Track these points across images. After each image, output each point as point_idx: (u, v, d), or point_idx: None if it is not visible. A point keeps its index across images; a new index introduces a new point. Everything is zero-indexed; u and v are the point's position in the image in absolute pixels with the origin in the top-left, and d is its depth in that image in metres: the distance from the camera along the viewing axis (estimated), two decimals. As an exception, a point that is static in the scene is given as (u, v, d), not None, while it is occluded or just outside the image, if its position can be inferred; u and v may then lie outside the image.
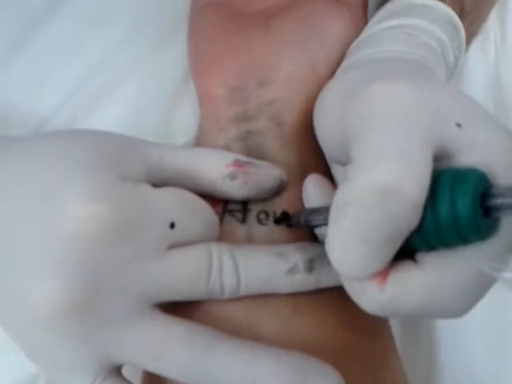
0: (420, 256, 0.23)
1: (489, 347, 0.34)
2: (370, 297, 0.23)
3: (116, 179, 0.24)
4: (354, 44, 0.31)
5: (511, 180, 0.21)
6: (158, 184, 0.26)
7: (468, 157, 0.22)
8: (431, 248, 0.22)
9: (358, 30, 0.31)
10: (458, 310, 0.23)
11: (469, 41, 0.32)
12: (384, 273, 0.22)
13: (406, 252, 0.23)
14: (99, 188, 0.23)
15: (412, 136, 0.21)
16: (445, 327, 0.34)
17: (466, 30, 0.30)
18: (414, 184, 0.20)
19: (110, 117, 0.33)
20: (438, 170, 0.21)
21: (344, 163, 0.25)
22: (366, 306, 0.23)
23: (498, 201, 0.20)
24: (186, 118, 0.33)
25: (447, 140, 0.22)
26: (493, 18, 0.37)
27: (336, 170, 0.28)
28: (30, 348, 0.25)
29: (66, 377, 0.25)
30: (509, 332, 0.34)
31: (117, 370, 0.25)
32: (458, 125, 0.22)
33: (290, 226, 0.28)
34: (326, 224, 0.23)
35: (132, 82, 0.33)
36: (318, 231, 0.27)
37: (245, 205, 0.28)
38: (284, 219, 0.28)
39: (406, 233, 0.21)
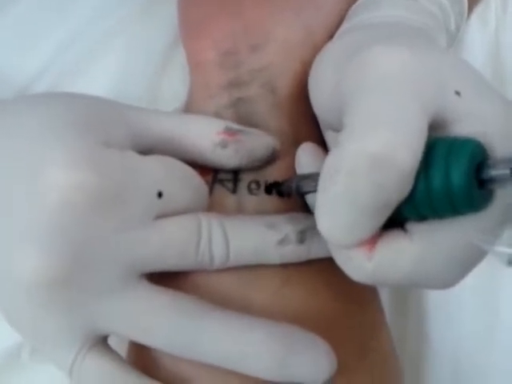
0: (410, 225, 0.23)
1: (477, 320, 0.34)
2: (357, 265, 0.23)
3: (100, 145, 0.23)
4: (353, 7, 0.30)
5: (508, 151, 0.21)
6: (144, 151, 0.25)
7: (465, 126, 0.21)
8: (422, 218, 0.22)
9: None
10: (446, 281, 0.23)
11: (471, 7, 0.31)
12: (372, 241, 0.22)
13: (396, 221, 0.22)
14: (82, 154, 0.23)
15: (408, 103, 0.21)
16: (434, 300, 0.34)
17: None
18: (406, 153, 0.20)
19: (97, 82, 0.32)
20: (434, 138, 0.21)
21: (338, 129, 0.25)
22: (353, 273, 0.23)
23: (493, 172, 0.20)
24: (174, 84, 0.32)
25: (445, 108, 0.21)
26: (494, -15, 0.36)
27: (330, 136, 0.27)
28: (14, 318, 0.25)
29: (49, 348, 0.25)
30: (498, 305, 0.33)
31: (103, 341, 0.25)
32: (457, 93, 0.22)
33: (280, 194, 0.28)
34: (316, 191, 0.23)
35: (119, 46, 0.32)
36: (308, 199, 0.27)
37: (236, 174, 0.28)
38: (275, 186, 0.27)
39: (396, 202, 0.21)
